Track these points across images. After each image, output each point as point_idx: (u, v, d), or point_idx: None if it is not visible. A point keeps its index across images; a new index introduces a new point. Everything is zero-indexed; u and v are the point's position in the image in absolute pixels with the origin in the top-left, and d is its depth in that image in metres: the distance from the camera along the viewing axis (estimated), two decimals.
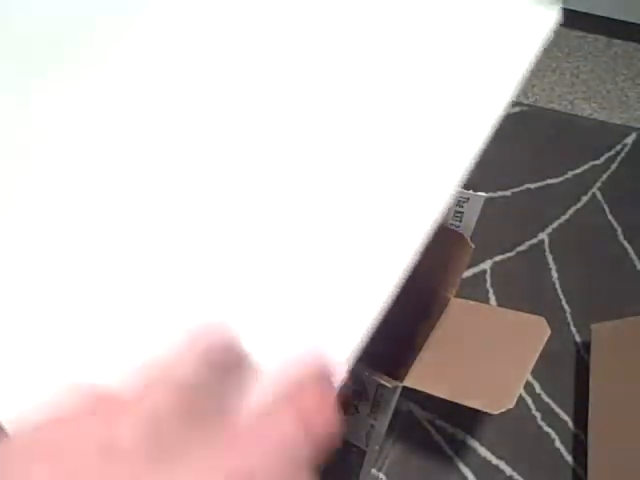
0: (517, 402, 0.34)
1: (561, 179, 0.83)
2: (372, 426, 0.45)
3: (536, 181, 0.83)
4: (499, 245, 0.78)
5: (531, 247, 0.78)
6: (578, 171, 0.84)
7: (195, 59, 0.31)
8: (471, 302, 0.42)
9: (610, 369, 0.63)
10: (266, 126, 0.29)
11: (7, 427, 0.24)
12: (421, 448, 0.67)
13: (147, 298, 0.26)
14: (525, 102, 1.03)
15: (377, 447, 0.50)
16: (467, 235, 0.44)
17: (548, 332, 0.38)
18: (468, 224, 0.43)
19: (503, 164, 0.84)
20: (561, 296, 0.74)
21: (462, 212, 0.46)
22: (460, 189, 0.45)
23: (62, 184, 0.28)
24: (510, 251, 0.78)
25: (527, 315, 0.39)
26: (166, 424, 0.22)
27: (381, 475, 0.65)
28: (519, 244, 0.78)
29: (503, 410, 0.34)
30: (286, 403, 0.23)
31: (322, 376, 0.24)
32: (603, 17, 1.41)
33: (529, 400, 0.69)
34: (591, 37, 1.51)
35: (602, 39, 1.51)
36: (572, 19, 1.49)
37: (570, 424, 0.68)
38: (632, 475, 0.55)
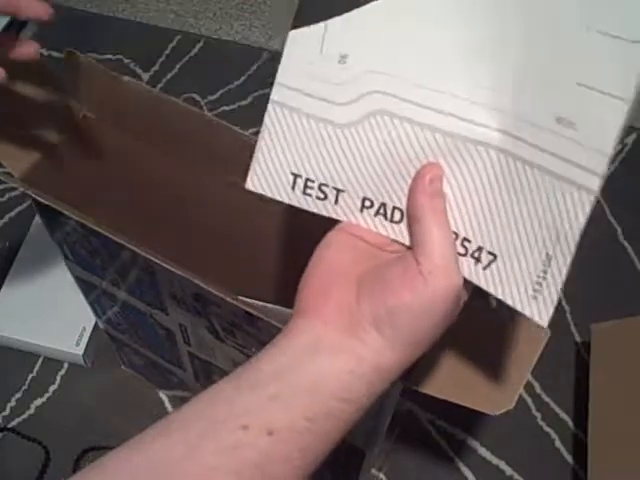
0: (517, 402, 0.34)
1: None
2: (372, 426, 0.45)
3: None
4: None
5: None
6: None
7: None
8: (471, 303, 0.42)
9: (610, 369, 0.63)
10: None
11: None
12: (421, 448, 0.67)
13: None
14: None
15: (377, 447, 0.50)
16: None
17: (548, 332, 0.37)
18: None
19: None
20: (561, 296, 0.74)
21: None
22: None
23: None
24: None
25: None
26: None
27: (381, 475, 0.65)
28: None
29: (503, 410, 0.34)
30: None
31: None
32: None
33: (529, 400, 0.69)
34: None
35: None
36: None
37: (570, 424, 0.68)
38: (632, 475, 0.55)
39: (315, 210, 0.33)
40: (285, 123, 0.33)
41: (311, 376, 0.29)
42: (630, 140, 0.86)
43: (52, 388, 0.69)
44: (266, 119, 0.33)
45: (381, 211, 0.32)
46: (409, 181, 0.31)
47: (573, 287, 0.73)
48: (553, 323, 0.39)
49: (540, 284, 0.30)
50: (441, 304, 0.29)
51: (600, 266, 0.76)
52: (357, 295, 0.31)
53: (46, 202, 0.42)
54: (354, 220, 0.33)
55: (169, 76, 0.93)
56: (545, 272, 0.30)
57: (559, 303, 0.31)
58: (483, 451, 0.66)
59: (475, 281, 0.31)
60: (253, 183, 0.34)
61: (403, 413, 0.67)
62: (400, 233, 0.32)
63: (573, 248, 0.30)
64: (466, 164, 0.30)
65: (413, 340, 0.30)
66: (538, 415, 0.68)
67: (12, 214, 0.80)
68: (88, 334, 0.68)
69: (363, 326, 0.30)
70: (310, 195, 0.33)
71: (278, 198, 0.33)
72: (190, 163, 0.49)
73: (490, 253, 0.30)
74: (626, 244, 0.78)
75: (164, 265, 0.39)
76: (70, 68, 0.47)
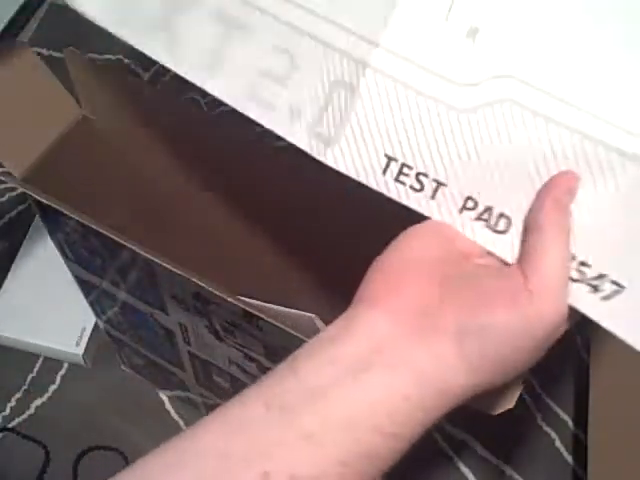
0: (517, 402, 0.34)
1: None
2: None
3: None
4: None
5: None
6: None
7: None
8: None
9: (610, 369, 0.62)
10: None
11: None
12: (421, 448, 0.67)
13: None
14: None
15: None
16: None
17: None
18: None
19: None
20: None
21: None
22: None
23: None
24: None
25: None
26: None
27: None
28: None
29: (503, 410, 0.34)
30: None
31: None
32: None
33: (529, 400, 0.69)
34: None
35: None
36: None
37: (570, 424, 0.68)
38: (632, 475, 0.55)
39: (406, 202, 0.28)
40: (386, 95, 0.28)
41: (356, 403, 0.24)
42: None
43: (52, 388, 0.69)
44: (362, 87, 0.28)
45: (484, 216, 0.27)
46: (529, 186, 0.26)
47: None
48: None
49: None
50: (541, 330, 0.25)
51: None
52: (439, 296, 0.26)
53: (46, 202, 0.42)
54: (450, 220, 0.28)
55: (169, 76, 0.93)
56: None
57: None
58: (483, 451, 0.66)
59: (588, 312, 0.27)
60: (336, 161, 0.29)
61: None
62: (501, 246, 0.27)
63: None
64: (603, 176, 0.25)
65: (497, 365, 0.26)
66: (538, 415, 0.68)
67: (12, 214, 0.80)
68: (88, 334, 0.68)
69: (439, 334, 0.25)
70: (404, 183, 0.28)
71: (364, 182, 0.29)
72: (190, 162, 0.49)
73: (615, 283, 0.26)
74: None
75: (164, 265, 0.39)
76: (70, 68, 0.47)
